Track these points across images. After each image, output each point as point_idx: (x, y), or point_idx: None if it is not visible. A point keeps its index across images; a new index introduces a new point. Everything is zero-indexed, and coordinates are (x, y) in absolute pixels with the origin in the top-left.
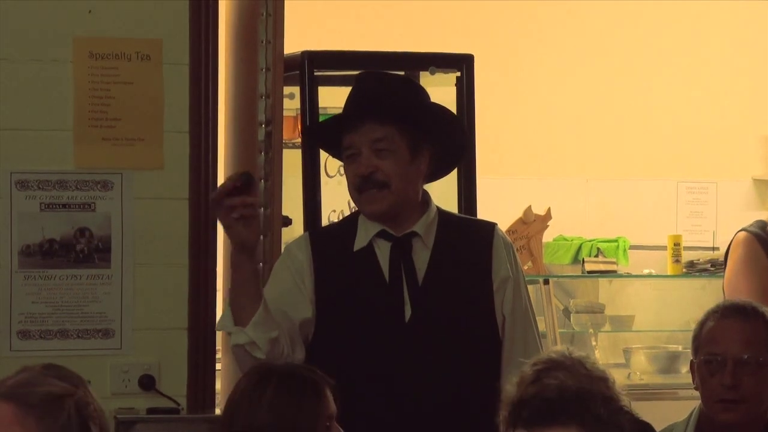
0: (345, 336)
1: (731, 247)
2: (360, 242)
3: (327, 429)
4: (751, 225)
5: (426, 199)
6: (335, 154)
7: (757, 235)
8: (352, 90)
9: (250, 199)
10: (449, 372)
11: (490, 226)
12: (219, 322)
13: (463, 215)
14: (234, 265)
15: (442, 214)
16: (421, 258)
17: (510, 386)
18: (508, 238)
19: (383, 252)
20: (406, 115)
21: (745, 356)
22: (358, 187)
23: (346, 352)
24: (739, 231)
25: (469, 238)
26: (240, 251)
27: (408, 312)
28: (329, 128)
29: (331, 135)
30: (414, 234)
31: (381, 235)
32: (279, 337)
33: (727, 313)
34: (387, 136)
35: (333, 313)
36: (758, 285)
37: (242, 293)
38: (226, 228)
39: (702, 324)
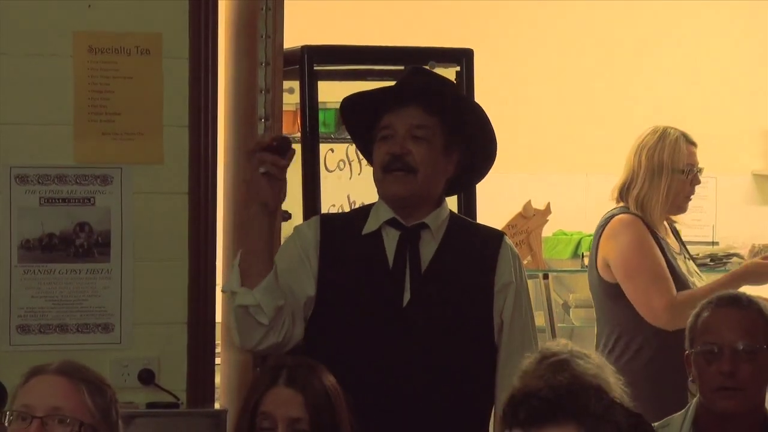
0: (342, 315)
1: (616, 228)
2: (369, 227)
3: (267, 428)
4: (617, 209)
5: (441, 199)
6: (359, 134)
7: (640, 217)
8: (401, 77)
9: (281, 160)
10: (440, 361)
11: (500, 234)
12: (225, 283)
13: (474, 221)
14: (250, 227)
15: (453, 216)
16: (428, 249)
17: (521, 378)
18: (515, 249)
19: (391, 239)
20: (453, 110)
21: (742, 345)
22: (385, 166)
23: (342, 331)
24: (616, 215)
25: (477, 240)
26: (260, 210)
27: (406, 298)
28: (373, 100)
29: (368, 110)
30: (424, 226)
31: (391, 223)
32: (284, 307)
33: (721, 304)
34: (428, 124)
35: (333, 291)
36: (658, 261)
37: (254, 256)
38: (251, 183)
39: (697, 315)
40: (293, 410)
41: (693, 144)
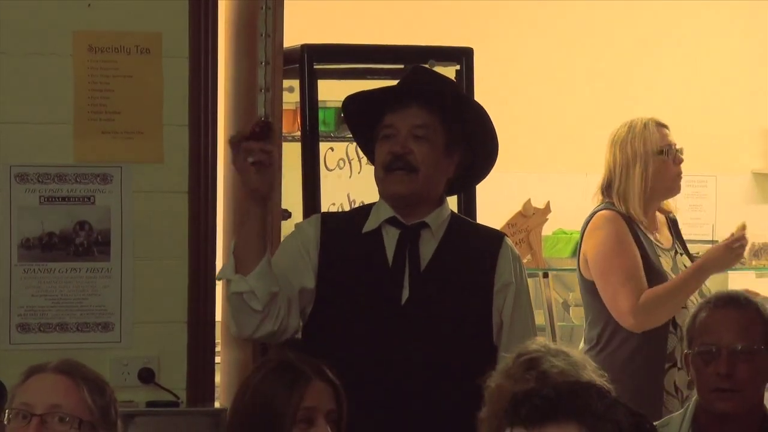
0: (341, 313)
1: (597, 224)
2: (370, 225)
3: (306, 421)
4: (601, 204)
5: (442, 199)
6: (361, 133)
7: (621, 214)
8: (403, 76)
9: (268, 146)
10: (438, 359)
11: (500, 235)
12: (220, 271)
13: (475, 222)
14: (243, 214)
15: (454, 216)
16: (428, 248)
17: (497, 378)
18: (516, 250)
19: (391, 238)
20: (455, 109)
21: (739, 346)
22: (387, 166)
23: (341, 328)
24: (598, 210)
25: (477, 240)
26: (251, 198)
27: (405, 295)
28: (375, 99)
29: (370, 109)
30: (424, 225)
31: (391, 222)
32: (279, 294)
33: (720, 304)
34: (429, 124)
35: (333, 288)
36: (631, 261)
37: (248, 243)
38: (240, 172)
39: (695, 316)
40: (330, 402)
41: (664, 126)
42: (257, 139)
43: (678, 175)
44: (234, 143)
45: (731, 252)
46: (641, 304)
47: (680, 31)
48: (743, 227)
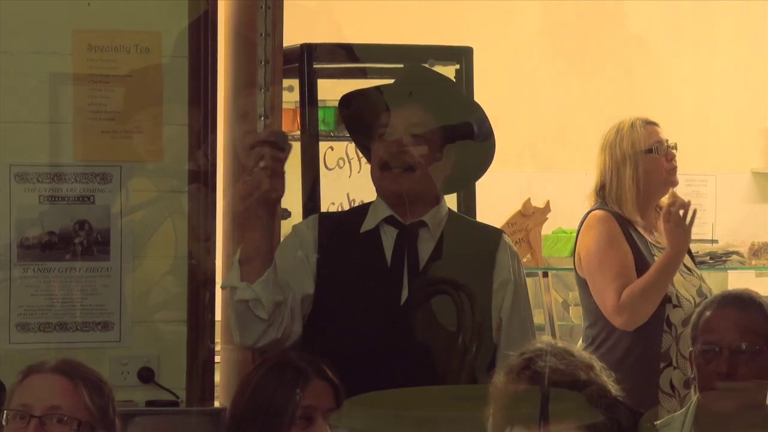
0: (340, 313)
1: (589, 223)
2: (367, 225)
3: (306, 419)
4: (596, 204)
5: (439, 197)
6: (358, 132)
7: (614, 213)
8: (400, 75)
9: (279, 154)
10: (437, 359)
11: (499, 232)
12: (224, 279)
13: (473, 220)
14: (249, 222)
15: (452, 214)
16: (426, 247)
17: (499, 376)
18: (514, 247)
19: (389, 237)
20: (452, 108)
21: (742, 345)
22: (383, 165)
23: (340, 329)
24: (592, 210)
25: (476, 238)
26: (262, 202)
27: (404, 295)
28: (372, 98)
29: (367, 107)
30: (422, 224)
31: (389, 221)
32: (283, 303)
33: (724, 303)
34: (426, 123)
35: (332, 289)
36: (621, 260)
37: (253, 252)
38: (251, 178)
39: (699, 314)
40: (330, 401)
41: (653, 124)
42: (270, 147)
43: (672, 170)
44: (249, 145)
45: (672, 224)
46: (622, 301)
47: (681, 31)
48: (671, 194)
